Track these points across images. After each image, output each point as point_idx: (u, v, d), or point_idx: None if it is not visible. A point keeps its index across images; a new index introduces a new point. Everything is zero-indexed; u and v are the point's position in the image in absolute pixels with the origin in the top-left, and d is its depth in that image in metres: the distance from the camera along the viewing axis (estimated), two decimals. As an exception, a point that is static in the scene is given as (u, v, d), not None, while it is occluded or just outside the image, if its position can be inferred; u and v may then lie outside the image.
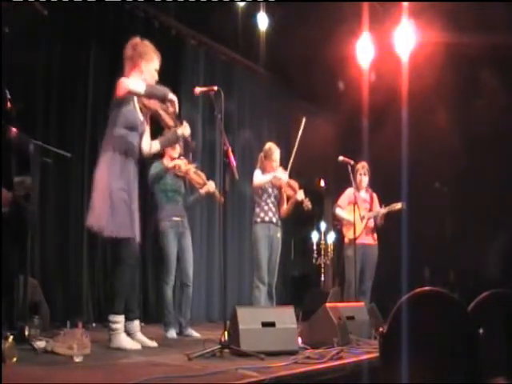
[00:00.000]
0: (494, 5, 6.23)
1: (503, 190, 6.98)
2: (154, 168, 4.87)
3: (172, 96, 3.75)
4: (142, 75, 3.83)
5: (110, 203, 3.59)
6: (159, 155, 4.96)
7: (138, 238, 3.78)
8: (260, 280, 5.05)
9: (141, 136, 3.90)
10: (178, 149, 4.90)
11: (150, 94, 3.76)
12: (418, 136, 6.86)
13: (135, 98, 3.83)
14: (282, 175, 5.19)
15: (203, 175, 5.02)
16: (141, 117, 3.87)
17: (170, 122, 3.85)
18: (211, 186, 4.99)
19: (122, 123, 3.74)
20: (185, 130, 4.02)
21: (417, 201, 6.27)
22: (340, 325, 3.93)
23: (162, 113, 3.82)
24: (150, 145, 4.02)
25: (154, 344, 3.87)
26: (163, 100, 3.77)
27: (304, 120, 5.30)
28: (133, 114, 3.80)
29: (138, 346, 3.67)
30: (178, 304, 4.88)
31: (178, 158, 4.91)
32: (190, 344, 4.13)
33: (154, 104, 3.83)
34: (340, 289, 7.14)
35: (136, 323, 3.92)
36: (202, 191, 4.99)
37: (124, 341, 3.64)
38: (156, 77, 3.92)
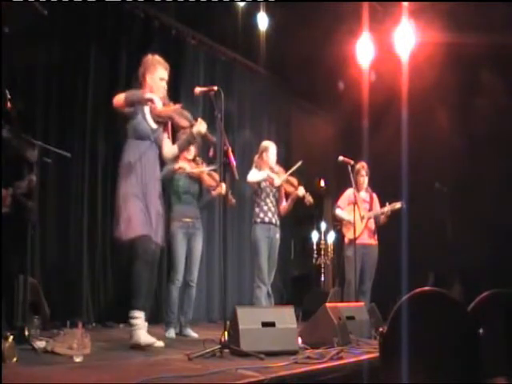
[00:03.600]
0: (494, 5, 6.23)
1: (503, 190, 6.97)
2: (163, 170, 4.90)
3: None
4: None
5: (126, 211, 3.69)
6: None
7: (157, 239, 3.78)
8: (261, 280, 5.07)
9: (156, 143, 3.92)
10: (192, 150, 4.89)
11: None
12: (417, 136, 6.85)
13: (144, 109, 3.87)
14: (276, 177, 5.19)
15: (217, 177, 5.00)
16: (153, 125, 3.90)
17: (183, 122, 3.87)
18: (223, 188, 4.97)
19: (132, 135, 3.84)
20: (200, 126, 3.89)
21: (417, 201, 6.27)
22: (340, 325, 3.93)
23: (174, 116, 3.85)
24: (170, 149, 4.04)
25: (160, 344, 3.82)
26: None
27: (300, 163, 5.28)
28: (142, 125, 3.85)
29: (160, 344, 3.69)
30: (180, 303, 4.88)
31: (194, 159, 4.93)
32: (189, 344, 4.13)
33: (166, 111, 3.85)
34: (340, 289, 7.14)
35: (145, 324, 3.90)
36: (214, 193, 5.00)
37: (143, 337, 3.62)
38: (163, 85, 3.93)
